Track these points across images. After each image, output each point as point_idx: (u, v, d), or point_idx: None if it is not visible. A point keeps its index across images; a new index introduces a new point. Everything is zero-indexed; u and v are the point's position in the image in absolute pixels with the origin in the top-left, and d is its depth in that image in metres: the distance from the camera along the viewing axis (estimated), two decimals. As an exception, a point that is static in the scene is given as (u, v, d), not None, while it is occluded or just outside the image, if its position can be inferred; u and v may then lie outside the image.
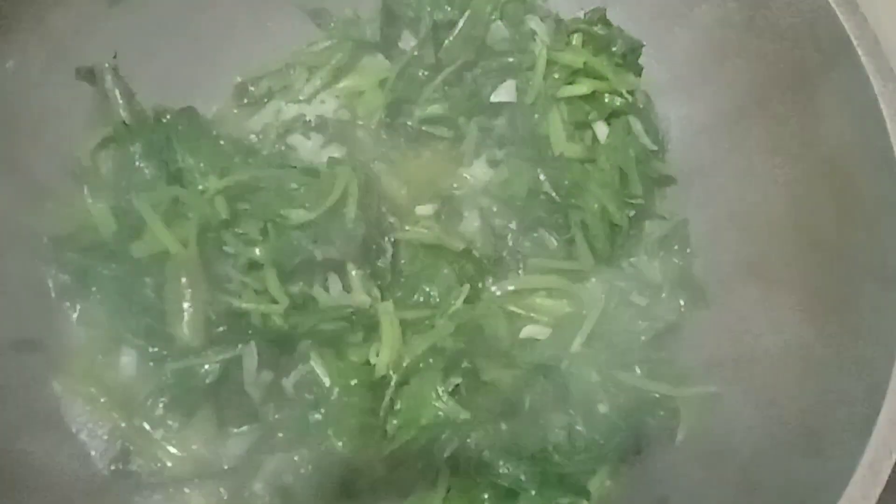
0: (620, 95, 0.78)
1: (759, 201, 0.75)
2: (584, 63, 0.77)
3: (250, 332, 0.73)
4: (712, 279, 0.78)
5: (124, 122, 0.81)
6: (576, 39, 0.80)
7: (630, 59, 0.80)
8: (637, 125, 0.78)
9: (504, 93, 0.79)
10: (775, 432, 0.66)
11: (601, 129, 0.78)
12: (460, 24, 0.80)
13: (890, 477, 0.54)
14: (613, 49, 0.79)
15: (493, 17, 0.80)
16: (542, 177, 0.76)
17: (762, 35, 0.73)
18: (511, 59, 0.80)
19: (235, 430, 0.74)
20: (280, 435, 0.73)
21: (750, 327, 0.73)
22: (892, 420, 0.54)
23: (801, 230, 0.70)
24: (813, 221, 0.69)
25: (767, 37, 0.72)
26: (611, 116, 0.78)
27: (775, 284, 0.72)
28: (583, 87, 0.77)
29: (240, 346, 0.71)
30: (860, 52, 0.62)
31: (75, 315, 0.78)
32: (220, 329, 0.73)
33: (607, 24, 0.81)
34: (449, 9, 0.81)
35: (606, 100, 0.78)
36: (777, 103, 0.73)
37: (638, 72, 0.81)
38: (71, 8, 0.78)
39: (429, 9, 0.82)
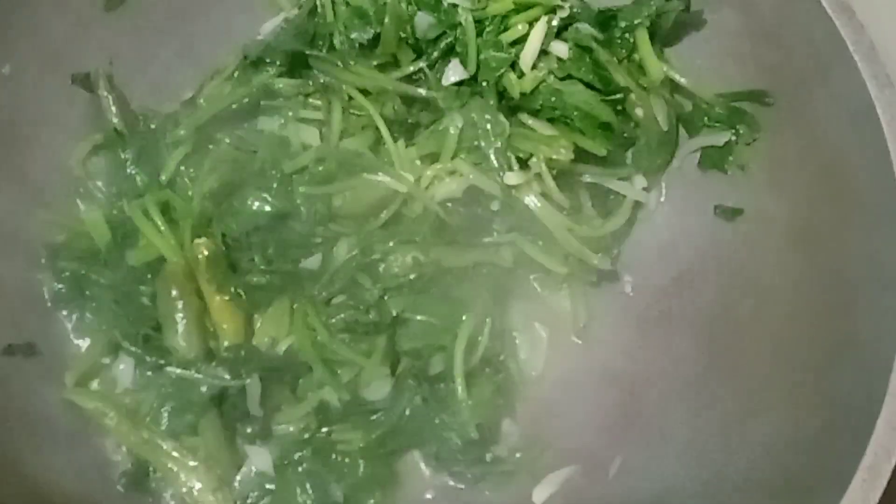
0: (559, 8, 0.78)
1: (754, 207, 0.75)
2: (515, 3, 0.78)
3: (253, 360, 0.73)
4: (707, 283, 0.78)
5: (116, 130, 0.80)
6: None
7: None
8: (585, 28, 0.78)
9: (452, 73, 0.78)
10: (773, 436, 0.65)
11: (560, 49, 0.77)
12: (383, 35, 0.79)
13: (890, 480, 0.53)
14: None
15: (411, 11, 0.79)
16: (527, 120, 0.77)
17: (757, 41, 0.73)
18: (445, 42, 0.79)
19: (249, 448, 0.74)
20: (298, 455, 0.74)
21: (746, 331, 0.73)
22: (891, 423, 0.54)
23: (798, 235, 0.70)
24: (810, 226, 0.69)
25: (763, 43, 0.72)
26: (562, 32, 0.78)
27: (771, 289, 0.72)
28: (518, 27, 0.77)
29: (243, 375, 0.72)
30: (856, 58, 0.62)
31: (70, 324, 0.78)
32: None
33: None
34: (369, 27, 0.80)
35: (553, 22, 0.77)
36: (773, 109, 0.74)
37: None
38: (66, 14, 0.78)
39: (343, 29, 0.81)
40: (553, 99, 0.76)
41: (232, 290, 0.75)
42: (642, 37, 0.77)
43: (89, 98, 0.81)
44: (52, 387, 0.73)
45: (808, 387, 0.64)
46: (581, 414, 0.79)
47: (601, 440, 0.77)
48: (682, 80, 0.79)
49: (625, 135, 0.78)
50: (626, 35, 0.77)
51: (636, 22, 0.77)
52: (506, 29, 0.78)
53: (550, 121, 0.77)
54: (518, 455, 0.78)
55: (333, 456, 0.74)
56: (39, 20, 0.77)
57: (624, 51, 0.78)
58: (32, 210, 0.78)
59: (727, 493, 0.66)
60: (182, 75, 0.84)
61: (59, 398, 0.73)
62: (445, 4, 0.79)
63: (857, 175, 0.64)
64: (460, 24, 0.77)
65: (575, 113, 0.76)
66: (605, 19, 0.78)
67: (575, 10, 0.79)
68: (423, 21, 0.79)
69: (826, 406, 0.61)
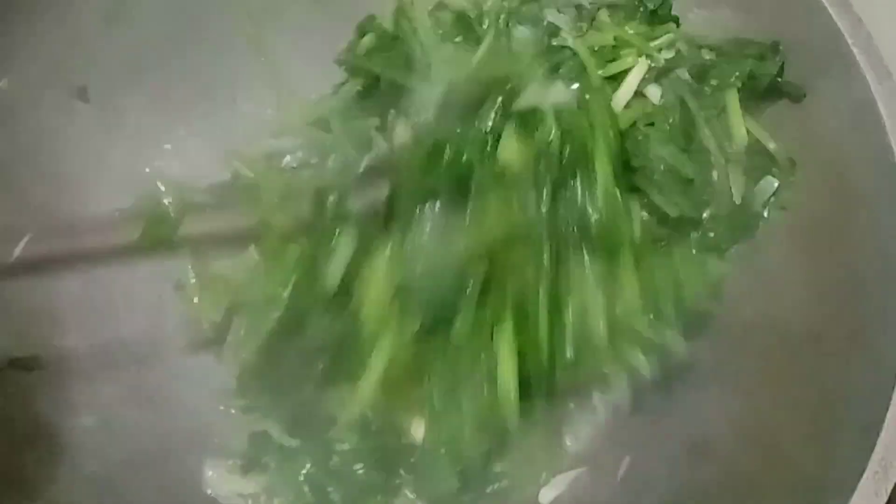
0: (659, 51, 0.76)
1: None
2: (615, 38, 0.76)
3: None
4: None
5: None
6: (602, 15, 0.79)
7: (662, 11, 0.78)
8: (685, 75, 0.75)
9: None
10: (782, 433, 0.65)
11: (654, 92, 0.76)
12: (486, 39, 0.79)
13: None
14: (641, 10, 0.78)
15: (512, 24, 0.79)
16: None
17: (756, 38, 0.73)
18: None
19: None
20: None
21: (751, 331, 0.72)
22: (902, 419, 0.54)
23: (801, 231, 0.70)
24: (813, 222, 0.69)
25: (761, 38, 0.72)
26: (660, 76, 0.76)
27: (775, 287, 0.71)
28: (628, 59, 0.76)
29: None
30: (855, 51, 0.62)
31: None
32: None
33: None
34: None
35: (651, 62, 0.76)
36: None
37: (674, 21, 0.78)
38: (67, 27, 0.78)
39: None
40: (640, 145, 0.74)
41: None
42: (732, 98, 0.74)
43: (89, 111, 0.81)
44: (55, 400, 0.73)
45: (816, 383, 0.64)
46: (588, 416, 0.79)
47: (609, 442, 0.77)
48: (773, 147, 0.73)
49: (704, 197, 0.75)
50: (717, 93, 0.74)
51: (728, 80, 0.73)
52: (612, 61, 0.77)
53: (632, 169, 0.74)
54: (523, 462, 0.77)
55: (332, 460, 0.74)
56: (38, 34, 0.76)
57: (712, 109, 0.74)
58: (32, 224, 0.77)
59: (737, 493, 0.66)
60: (180, 88, 0.84)
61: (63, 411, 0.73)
62: (545, 22, 0.79)
63: (859, 168, 0.64)
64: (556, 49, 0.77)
65: (661, 166, 0.73)
66: (698, 72, 0.75)
67: (681, 53, 0.77)
68: (522, 35, 0.79)
69: (835, 402, 0.61)
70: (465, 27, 0.79)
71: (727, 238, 0.75)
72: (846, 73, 0.63)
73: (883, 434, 0.54)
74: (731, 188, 0.74)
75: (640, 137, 0.74)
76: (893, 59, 0.62)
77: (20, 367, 0.72)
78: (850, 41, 0.62)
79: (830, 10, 0.64)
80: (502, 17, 0.79)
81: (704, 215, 0.75)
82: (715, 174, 0.74)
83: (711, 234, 0.75)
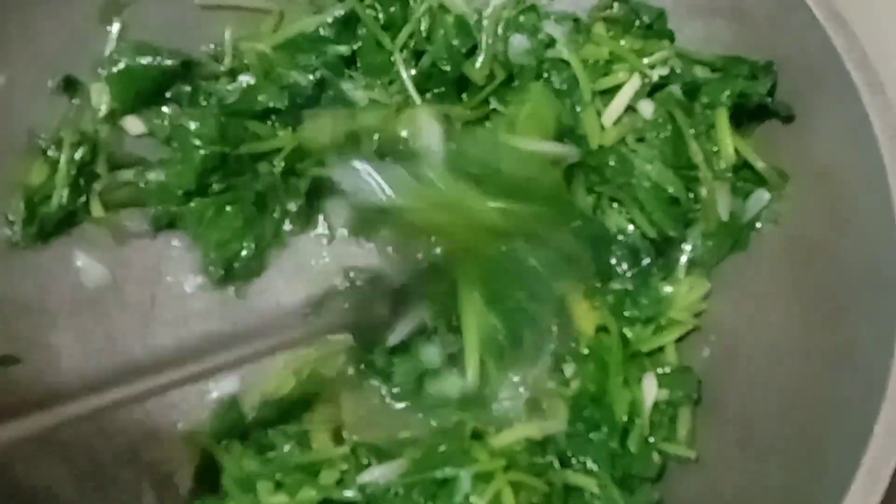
0: (653, 68, 0.76)
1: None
2: (610, 53, 0.76)
3: None
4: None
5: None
6: (598, 28, 0.79)
7: (657, 26, 0.78)
8: (678, 92, 0.75)
9: None
10: (771, 444, 0.65)
11: (646, 108, 0.75)
12: (483, 44, 0.80)
13: (889, 485, 0.53)
14: (637, 24, 0.78)
15: (509, 33, 0.79)
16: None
17: (751, 51, 0.73)
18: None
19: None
20: None
21: (744, 340, 0.73)
22: (890, 427, 0.53)
23: (795, 242, 0.71)
24: (806, 234, 0.69)
25: (756, 53, 0.73)
26: (654, 91, 0.76)
27: (769, 297, 0.72)
28: (619, 74, 0.76)
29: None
30: (849, 67, 0.62)
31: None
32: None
33: (624, 1, 0.79)
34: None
35: (644, 78, 0.75)
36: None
37: (669, 37, 0.78)
38: (63, 24, 0.78)
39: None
40: (626, 160, 0.74)
41: None
42: (722, 116, 0.73)
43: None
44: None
45: (805, 393, 0.64)
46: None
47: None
48: (761, 166, 0.73)
49: (689, 214, 0.75)
50: (707, 111, 0.74)
51: (719, 99, 0.73)
52: (605, 75, 0.77)
53: (616, 186, 0.76)
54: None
55: None
56: (35, 31, 0.76)
57: (703, 126, 0.74)
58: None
59: (727, 502, 0.66)
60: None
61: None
62: (543, 34, 0.79)
63: (851, 183, 0.64)
64: (550, 59, 0.78)
65: (645, 183, 0.74)
66: (690, 90, 0.75)
67: (675, 70, 0.76)
68: (521, 44, 0.79)
69: (824, 412, 0.61)
70: (465, 32, 0.80)
71: (715, 254, 0.76)
72: (840, 87, 0.63)
73: (871, 445, 0.53)
74: (717, 205, 0.74)
75: (626, 154, 0.75)
76: (889, 75, 0.63)
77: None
78: (844, 57, 0.63)
79: (825, 26, 0.64)
80: (500, 24, 0.80)
81: (693, 233, 0.76)
82: (703, 191, 0.74)
83: (699, 251, 0.76)
